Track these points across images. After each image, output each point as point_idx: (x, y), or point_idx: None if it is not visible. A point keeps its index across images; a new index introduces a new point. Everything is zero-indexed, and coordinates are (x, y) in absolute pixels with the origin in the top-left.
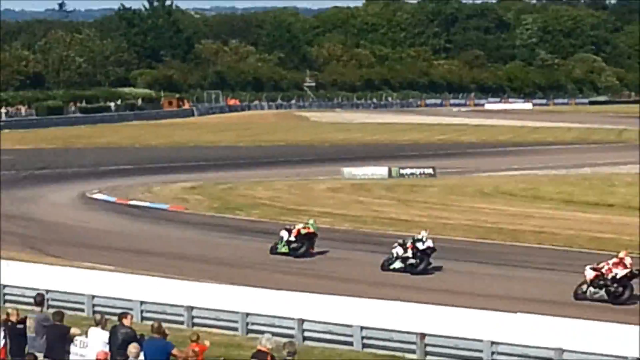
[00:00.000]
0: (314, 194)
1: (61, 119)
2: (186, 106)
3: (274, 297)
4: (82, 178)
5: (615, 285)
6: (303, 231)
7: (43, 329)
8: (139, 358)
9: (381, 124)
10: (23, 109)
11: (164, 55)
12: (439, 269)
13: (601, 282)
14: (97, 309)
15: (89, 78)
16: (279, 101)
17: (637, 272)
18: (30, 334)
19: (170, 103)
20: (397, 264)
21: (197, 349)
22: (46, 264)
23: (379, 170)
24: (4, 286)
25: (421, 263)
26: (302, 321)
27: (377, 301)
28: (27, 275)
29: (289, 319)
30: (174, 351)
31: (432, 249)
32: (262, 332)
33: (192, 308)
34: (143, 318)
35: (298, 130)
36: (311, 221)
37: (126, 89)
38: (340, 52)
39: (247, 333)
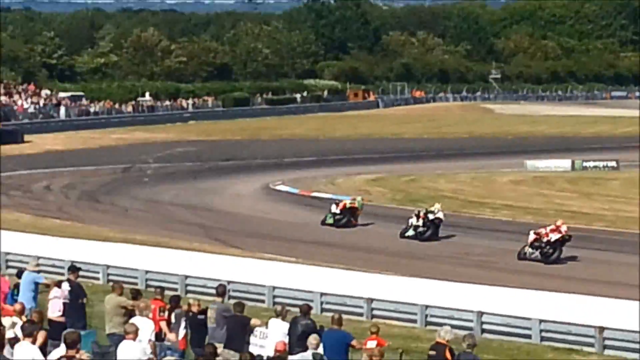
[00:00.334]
0: (496, 187)
1: (247, 110)
2: (371, 98)
3: (453, 289)
4: (266, 170)
5: (547, 247)
6: (348, 205)
7: (223, 320)
8: (319, 349)
9: (565, 117)
10: (210, 101)
11: (351, 47)
12: (610, 263)
13: (537, 244)
14: (277, 300)
15: (276, 70)
16: (464, 93)
17: (568, 237)
18: (210, 324)
19: (355, 95)
20: (410, 232)
21: (375, 342)
22: (228, 255)
23: (562, 163)
24: (187, 277)
25: (428, 231)
26: (481, 314)
27: (555, 294)
28: (210, 266)
29: (468, 311)
30: (353, 342)
31: (440, 220)
32: (441, 325)
33: (372, 300)
34: (323, 310)
35: (482, 122)
36: (359, 198)
37: (312, 81)
38: (527, 44)
39: (425, 325)
